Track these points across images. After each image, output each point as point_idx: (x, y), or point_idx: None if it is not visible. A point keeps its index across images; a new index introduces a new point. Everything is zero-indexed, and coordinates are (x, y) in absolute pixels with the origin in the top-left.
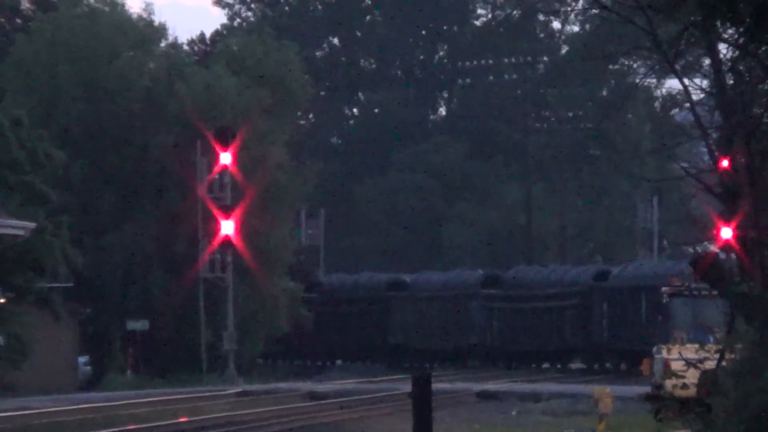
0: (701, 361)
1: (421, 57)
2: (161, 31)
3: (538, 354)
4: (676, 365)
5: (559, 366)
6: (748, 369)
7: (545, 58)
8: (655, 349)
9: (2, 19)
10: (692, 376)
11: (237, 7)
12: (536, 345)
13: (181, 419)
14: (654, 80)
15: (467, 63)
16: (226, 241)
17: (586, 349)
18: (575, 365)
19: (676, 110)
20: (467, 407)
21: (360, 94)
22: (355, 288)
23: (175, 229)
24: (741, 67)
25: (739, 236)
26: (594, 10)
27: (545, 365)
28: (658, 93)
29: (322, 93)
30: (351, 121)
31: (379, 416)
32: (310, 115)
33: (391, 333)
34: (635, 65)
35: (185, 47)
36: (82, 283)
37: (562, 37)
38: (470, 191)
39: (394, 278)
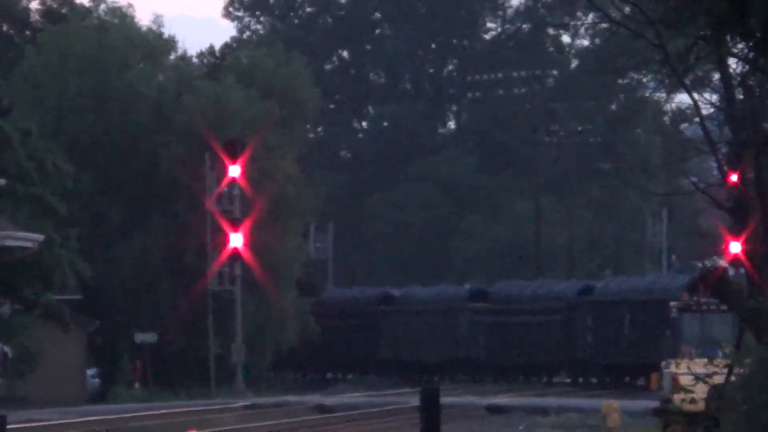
0: (710, 375)
1: (431, 70)
2: (171, 43)
3: (524, 367)
4: (685, 379)
5: (544, 380)
6: (756, 383)
7: (555, 72)
8: (663, 363)
9: (12, 31)
10: (701, 391)
11: (246, 20)
12: (522, 359)
13: None
14: (663, 94)
15: (477, 77)
16: (235, 254)
17: (571, 363)
18: (560, 379)
19: (686, 125)
20: (475, 421)
21: (369, 107)
22: (347, 303)
23: (183, 241)
24: (751, 82)
25: (748, 251)
26: (604, 25)
27: (536, 378)
28: (667, 107)
29: (332, 106)
30: (360, 135)
31: (387, 429)
32: (320, 128)
33: (381, 347)
34: (645, 79)
35: (194, 60)
36: (91, 295)
37: (572, 51)
38: (479, 204)
39: (383, 293)
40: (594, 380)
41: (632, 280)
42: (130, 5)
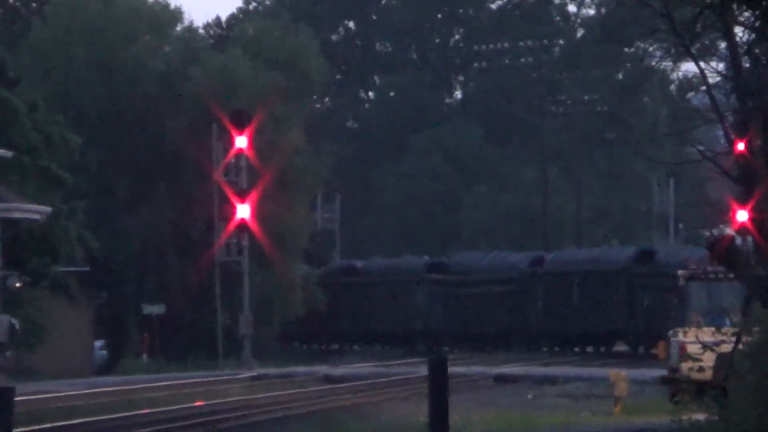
0: (718, 344)
1: (437, 41)
2: (177, 15)
3: (480, 337)
4: (693, 348)
5: (498, 348)
6: (764, 352)
7: (561, 42)
8: (671, 332)
9: (18, 4)
10: (708, 360)
11: None
12: (477, 328)
13: (197, 403)
14: (670, 64)
15: (483, 47)
16: (242, 225)
17: (523, 332)
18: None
19: (692, 93)
20: (483, 391)
21: (376, 78)
22: (320, 275)
23: (190, 213)
24: (757, 51)
25: (756, 219)
26: None
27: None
28: (674, 76)
29: (338, 77)
30: (367, 105)
31: (395, 400)
32: (326, 99)
33: (341, 318)
34: (651, 48)
35: (201, 31)
36: (98, 267)
37: (578, 21)
38: (486, 175)
39: (348, 265)
40: (545, 349)
41: (582, 252)
42: None
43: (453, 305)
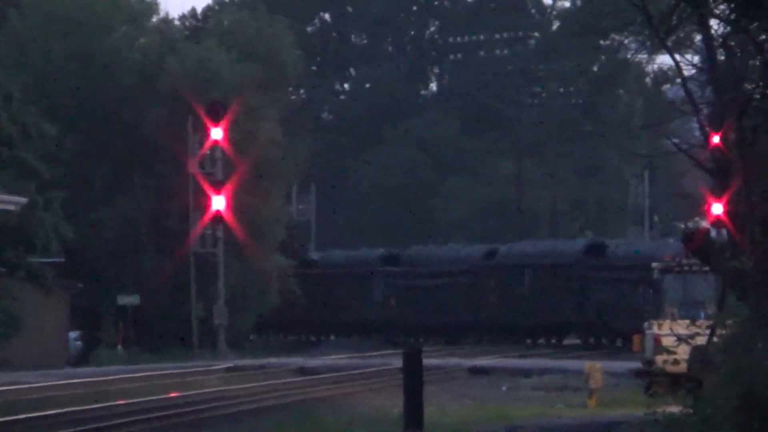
0: (692, 336)
1: (413, 33)
2: (153, 6)
3: (434, 328)
4: (667, 341)
5: (452, 340)
6: (738, 344)
7: (536, 34)
8: (646, 324)
9: None
10: (683, 352)
11: None
12: (431, 320)
13: (172, 394)
14: (645, 56)
15: (459, 38)
16: (218, 217)
17: (476, 323)
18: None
19: (668, 86)
20: (458, 382)
21: (352, 69)
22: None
23: (166, 204)
24: (732, 43)
25: (730, 211)
26: None
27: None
28: (649, 69)
29: (314, 68)
30: (342, 97)
31: (370, 391)
32: (302, 91)
33: (299, 309)
34: (627, 41)
35: (177, 22)
36: (74, 258)
37: (554, 13)
38: (462, 166)
39: (305, 257)
40: (499, 340)
41: (534, 244)
42: None
43: (407, 297)
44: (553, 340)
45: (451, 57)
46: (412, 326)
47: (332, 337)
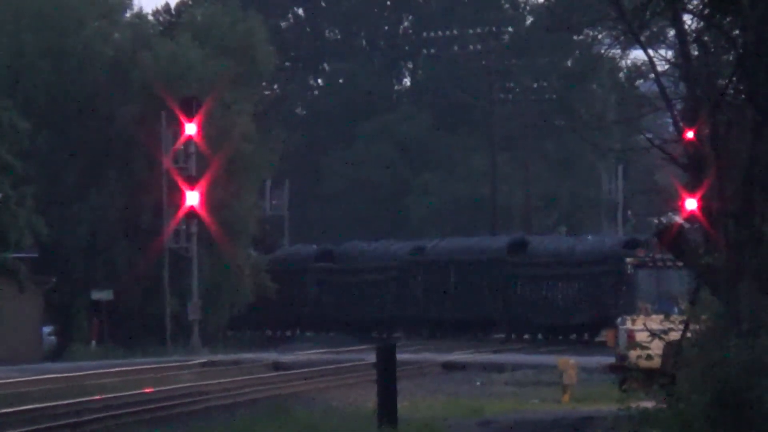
0: (666, 332)
1: (386, 27)
2: (126, 1)
3: (364, 323)
4: (641, 336)
5: (385, 335)
6: (712, 340)
7: (510, 29)
8: (619, 320)
9: None
10: (657, 348)
11: None
12: (362, 315)
13: (147, 390)
14: (619, 51)
15: (432, 33)
16: (191, 212)
17: (404, 318)
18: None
19: (641, 81)
20: (432, 378)
21: (325, 64)
22: None
23: (140, 199)
24: (706, 38)
25: (704, 207)
26: None
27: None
28: (622, 64)
29: (287, 64)
30: (316, 92)
31: (343, 387)
32: (275, 86)
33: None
34: (600, 36)
35: (150, 18)
36: (47, 253)
37: (527, 8)
38: (435, 162)
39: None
40: (424, 334)
41: (460, 241)
42: None
43: (337, 292)
44: (479, 335)
45: (425, 52)
46: (342, 321)
47: (307, 333)
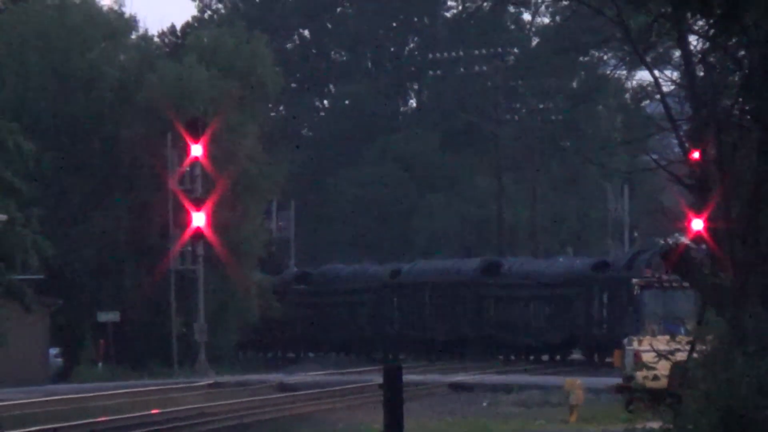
0: (672, 352)
1: (392, 49)
2: (132, 23)
3: (342, 344)
4: (647, 357)
5: (362, 356)
6: (718, 360)
7: (516, 50)
8: (626, 340)
9: None
10: (663, 368)
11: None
12: (339, 336)
13: (153, 411)
14: (624, 72)
15: (438, 55)
16: (197, 233)
17: (381, 339)
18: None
19: (647, 102)
20: (438, 398)
21: (331, 86)
22: None
23: (146, 220)
24: (711, 59)
25: (710, 227)
26: (564, 2)
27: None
28: (628, 84)
29: (293, 85)
30: (322, 113)
31: (349, 408)
32: (281, 107)
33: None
34: (606, 57)
35: (156, 39)
36: (54, 275)
37: (533, 29)
38: (442, 182)
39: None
40: (402, 356)
41: (435, 263)
42: None
43: (314, 314)
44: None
45: (431, 73)
46: (320, 343)
47: (311, 354)
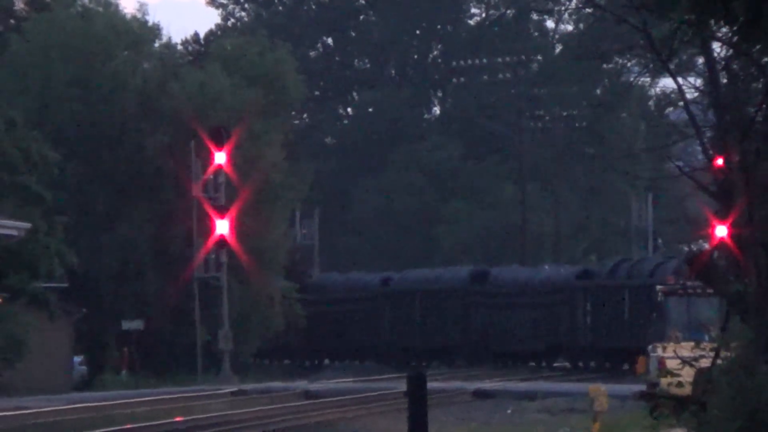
0: (696, 359)
1: (415, 56)
2: (155, 31)
3: (337, 351)
4: (672, 363)
5: (357, 362)
6: (742, 367)
7: (539, 57)
8: (650, 347)
9: None
10: (687, 375)
11: (231, 7)
12: (336, 343)
13: (177, 419)
14: (648, 79)
15: (461, 62)
16: (221, 241)
17: (374, 346)
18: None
19: (671, 109)
20: (462, 406)
21: (354, 93)
22: None
23: (170, 228)
24: (735, 66)
25: (734, 234)
26: (588, 9)
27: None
28: (652, 92)
29: (317, 93)
30: (345, 121)
31: (374, 415)
32: (305, 115)
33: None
34: (629, 64)
35: (179, 47)
36: (77, 283)
37: (556, 36)
38: (464, 190)
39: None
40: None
41: (425, 272)
42: None
43: (314, 321)
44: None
45: (454, 81)
46: (316, 350)
47: (335, 362)
